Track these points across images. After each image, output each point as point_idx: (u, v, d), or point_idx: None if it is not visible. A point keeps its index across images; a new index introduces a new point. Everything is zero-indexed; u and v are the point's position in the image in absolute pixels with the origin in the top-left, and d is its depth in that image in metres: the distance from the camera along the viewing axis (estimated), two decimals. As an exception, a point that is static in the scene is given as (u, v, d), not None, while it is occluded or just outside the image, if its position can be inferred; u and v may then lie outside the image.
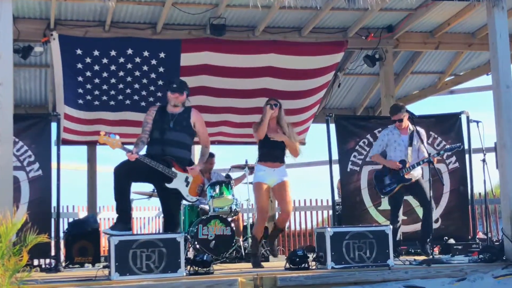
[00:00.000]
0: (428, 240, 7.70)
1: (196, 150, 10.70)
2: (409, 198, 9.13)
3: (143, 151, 6.79)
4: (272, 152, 7.40)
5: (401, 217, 8.22)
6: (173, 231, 6.63)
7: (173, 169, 6.68)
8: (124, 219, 6.62)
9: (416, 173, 8.17)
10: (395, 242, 7.81)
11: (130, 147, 6.71)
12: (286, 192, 7.41)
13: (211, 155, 10.02)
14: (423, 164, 8.01)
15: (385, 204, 8.95)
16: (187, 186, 6.79)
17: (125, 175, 6.59)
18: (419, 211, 9.23)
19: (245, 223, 9.41)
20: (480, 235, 9.67)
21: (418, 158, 8.10)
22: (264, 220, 7.48)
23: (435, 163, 7.89)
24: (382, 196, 8.61)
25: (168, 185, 6.69)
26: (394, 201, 8.21)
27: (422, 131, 8.26)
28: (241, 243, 8.78)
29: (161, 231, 7.40)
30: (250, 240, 8.85)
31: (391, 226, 6.78)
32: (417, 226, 9.09)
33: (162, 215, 7.21)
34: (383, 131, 8.49)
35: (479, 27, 10.22)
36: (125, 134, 10.60)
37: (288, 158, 7.52)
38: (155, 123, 6.84)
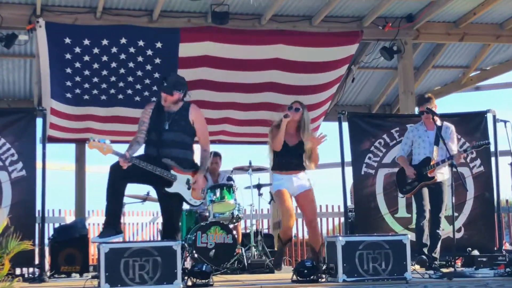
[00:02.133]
0: (434, 251, 7.78)
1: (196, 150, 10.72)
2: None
3: (139, 152, 6.79)
4: (288, 160, 7.46)
5: (428, 210, 8.14)
6: (173, 238, 6.65)
7: (172, 171, 6.68)
8: (113, 222, 6.62)
9: (442, 174, 8.13)
10: (420, 243, 7.84)
11: (124, 147, 6.72)
12: (311, 199, 7.49)
13: (216, 154, 10.04)
14: (444, 162, 7.96)
15: (402, 212, 8.94)
16: (189, 189, 6.80)
17: (122, 175, 6.59)
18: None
19: (248, 231, 9.41)
20: (507, 246, 9.67)
21: (445, 156, 8.06)
22: (288, 227, 7.52)
23: (460, 160, 7.96)
24: (401, 196, 8.58)
25: (168, 190, 6.70)
26: (417, 196, 8.19)
27: (451, 127, 8.26)
28: (244, 252, 8.77)
29: (155, 238, 7.41)
30: (253, 248, 8.87)
31: (409, 236, 6.75)
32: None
33: (161, 220, 7.22)
34: (408, 129, 8.52)
35: (507, 17, 10.21)
36: (118, 132, 10.65)
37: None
38: (151, 122, 6.86)
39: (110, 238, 6.43)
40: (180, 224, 8.75)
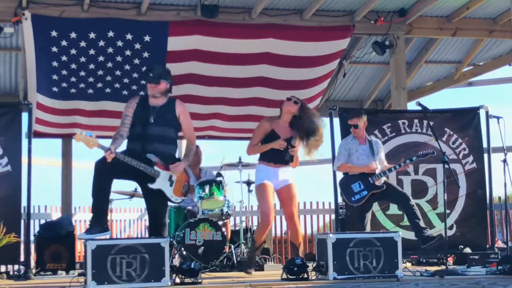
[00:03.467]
0: (428, 243, 7.82)
1: (182, 145, 10.69)
2: (421, 202, 9.16)
3: (122, 147, 6.78)
4: (280, 153, 7.45)
5: (368, 227, 8.22)
6: (159, 235, 6.64)
7: (155, 167, 6.67)
8: (100, 219, 6.59)
9: (384, 179, 8.26)
10: None
11: (109, 142, 6.70)
12: (292, 195, 7.50)
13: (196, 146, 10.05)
14: (394, 170, 8.21)
15: (393, 209, 8.97)
16: (171, 185, 6.78)
17: (107, 171, 6.56)
18: (432, 217, 9.27)
19: (237, 228, 9.41)
20: (499, 243, 9.69)
21: (383, 168, 8.21)
22: (268, 225, 7.54)
23: (406, 168, 8.20)
24: (351, 205, 8.56)
25: (151, 186, 6.68)
26: (362, 210, 8.25)
27: (379, 142, 8.46)
28: (233, 249, 8.77)
29: (143, 235, 7.41)
30: (243, 245, 8.87)
31: (400, 233, 6.77)
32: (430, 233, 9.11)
33: (147, 217, 7.20)
34: (342, 141, 8.56)
35: (501, 12, 10.23)
36: (105, 127, 10.63)
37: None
38: (135, 116, 6.84)
39: (97, 235, 6.41)
40: (168, 220, 8.78)
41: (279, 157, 7.47)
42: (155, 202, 6.88)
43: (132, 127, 6.84)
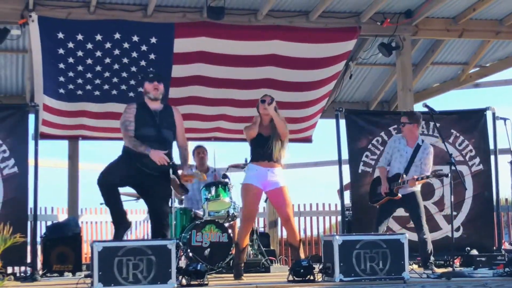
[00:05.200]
0: (429, 260, 7.89)
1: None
2: (428, 204, 9.14)
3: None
4: (264, 150, 7.45)
5: (384, 228, 8.26)
6: (163, 236, 6.69)
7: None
8: (120, 221, 6.97)
9: (409, 188, 8.21)
10: None
11: (117, 144, 6.83)
12: (283, 197, 7.47)
13: (200, 146, 10.09)
14: (406, 183, 8.11)
15: (400, 211, 8.95)
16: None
17: (110, 185, 6.86)
18: (438, 219, 9.26)
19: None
20: (506, 245, 9.68)
21: (420, 174, 8.20)
22: (249, 227, 7.57)
23: (413, 186, 8.14)
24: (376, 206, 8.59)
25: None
26: (382, 211, 8.35)
27: (428, 149, 8.33)
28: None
29: (149, 236, 7.42)
30: (249, 247, 8.86)
31: (407, 235, 6.77)
32: (436, 235, 9.10)
33: (150, 219, 7.29)
34: (391, 138, 8.62)
35: (507, 13, 10.22)
36: (111, 129, 10.64)
37: (289, 158, 7.61)
38: (138, 120, 6.93)
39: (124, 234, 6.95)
40: (174, 222, 8.79)
41: (263, 154, 7.43)
42: (158, 205, 6.96)
43: (137, 130, 6.92)
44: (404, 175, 8.14)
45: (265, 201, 10.44)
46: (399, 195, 8.19)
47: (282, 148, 7.50)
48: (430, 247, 8.04)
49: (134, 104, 7.19)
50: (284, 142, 7.52)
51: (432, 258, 8.04)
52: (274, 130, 7.47)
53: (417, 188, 8.27)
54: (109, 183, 6.86)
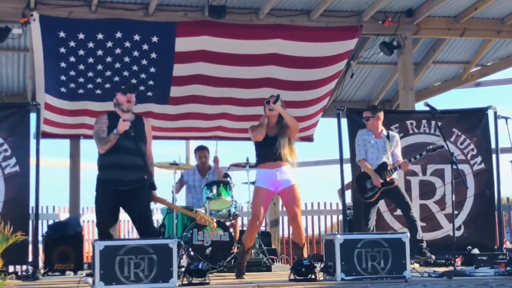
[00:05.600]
0: (422, 247, 7.90)
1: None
2: (429, 203, 9.14)
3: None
4: (270, 150, 7.40)
5: (373, 223, 8.28)
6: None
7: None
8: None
9: (396, 177, 8.35)
10: None
11: None
12: (294, 195, 7.44)
13: (203, 147, 10.08)
14: (400, 169, 8.26)
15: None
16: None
17: (108, 231, 6.90)
18: (440, 218, 9.26)
19: (245, 228, 9.40)
20: (508, 244, 9.67)
21: (393, 162, 8.31)
22: (255, 228, 7.52)
23: (408, 168, 8.32)
24: (364, 201, 8.58)
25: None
26: (368, 206, 8.35)
27: (396, 136, 8.52)
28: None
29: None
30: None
31: (408, 234, 6.77)
32: (437, 234, 9.12)
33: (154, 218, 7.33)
34: (358, 133, 8.61)
35: (509, 12, 10.22)
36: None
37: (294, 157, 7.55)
38: (110, 130, 6.90)
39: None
40: (176, 221, 8.79)
41: (270, 155, 7.40)
42: (138, 211, 7.02)
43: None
44: (395, 162, 8.24)
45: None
46: (395, 182, 8.23)
47: (290, 146, 7.45)
48: (419, 228, 8.07)
49: (105, 115, 7.14)
50: (292, 139, 7.48)
51: (425, 243, 8.05)
52: (281, 129, 7.43)
53: (398, 181, 8.36)
54: (106, 230, 6.91)
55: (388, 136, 8.40)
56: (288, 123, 7.40)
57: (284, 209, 9.40)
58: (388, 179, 8.21)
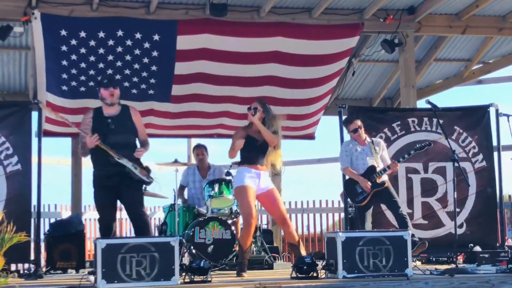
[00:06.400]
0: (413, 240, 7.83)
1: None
2: (431, 201, 9.14)
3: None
4: (257, 155, 7.43)
5: (369, 224, 8.35)
6: (146, 232, 6.98)
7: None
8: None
9: (386, 178, 8.36)
10: None
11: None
12: (277, 197, 7.47)
13: (200, 146, 10.05)
14: (389, 170, 8.26)
15: (403, 207, 8.95)
16: (136, 169, 7.09)
17: (111, 224, 7.10)
18: (442, 215, 9.26)
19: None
20: (509, 242, 9.68)
21: (383, 166, 8.34)
22: (251, 227, 7.44)
23: (397, 168, 8.37)
24: (354, 205, 8.57)
25: (119, 160, 6.95)
26: (362, 209, 8.37)
27: (381, 141, 8.57)
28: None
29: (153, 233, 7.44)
30: (253, 244, 8.87)
31: (410, 232, 6.77)
32: (439, 232, 9.12)
33: (154, 216, 7.34)
34: (343, 144, 8.65)
35: (510, 9, 10.22)
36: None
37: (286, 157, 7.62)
38: (95, 129, 7.01)
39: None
40: (178, 219, 8.80)
41: (257, 159, 7.42)
42: (129, 199, 7.13)
43: None
44: (384, 164, 8.27)
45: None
46: (386, 183, 8.26)
47: (274, 154, 7.47)
48: (409, 224, 8.09)
49: (91, 112, 7.23)
50: (275, 148, 7.48)
51: (416, 237, 8.06)
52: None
53: (388, 181, 8.36)
54: (105, 224, 7.13)
55: (372, 142, 8.46)
56: (264, 135, 7.39)
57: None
58: (378, 181, 8.23)
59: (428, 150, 8.66)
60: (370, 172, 8.26)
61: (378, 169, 8.25)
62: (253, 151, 7.44)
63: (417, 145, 8.40)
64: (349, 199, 8.52)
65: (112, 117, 7.08)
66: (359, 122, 8.47)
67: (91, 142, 6.83)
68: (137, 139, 7.27)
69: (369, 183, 8.20)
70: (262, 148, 7.44)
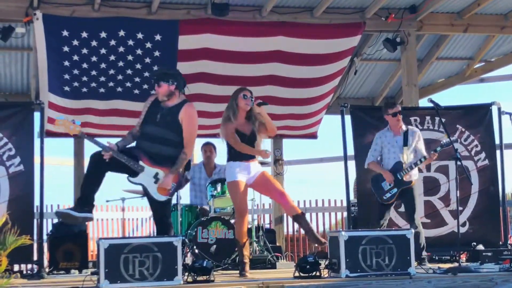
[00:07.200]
0: (421, 255, 7.85)
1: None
2: (433, 200, 9.13)
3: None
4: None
5: (385, 222, 8.30)
6: (165, 233, 6.72)
7: (140, 162, 6.72)
8: (84, 205, 6.75)
9: (415, 175, 8.26)
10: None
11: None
12: (269, 177, 7.39)
13: (208, 143, 10.02)
14: (420, 164, 8.17)
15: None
16: (155, 183, 6.79)
17: (103, 163, 6.68)
18: (444, 214, 9.26)
19: (249, 226, 9.40)
20: (513, 240, 9.67)
21: (416, 159, 8.21)
22: (244, 221, 7.38)
23: (433, 159, 8.18)
24: (384, 203, 8.52)
25: (132, 179, 6.76)
26: (384, 208, 8.32)
27: (417, 131, 8.40)
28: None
29: (155, 233, 7.43)
30: (255, 243, 8.87)
31: (413, 231, 6.76)
32: (441, 231, 9.11)
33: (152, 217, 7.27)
34: (376, 135, 8.55)
35: (512, 8, 10.20)
36: (116, 126, 10.65)
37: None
38: (147, 115, 6.90)
39: (80, 214, 6.63)
40: (180, 219, 8.80)
41: (248, 154, 7.34)
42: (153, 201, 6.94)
43: (142, 125, 6.92)
44: (405, 162, 8.14)
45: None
46: (413, 181, 8.16)
47: (260, 143, 7.39)
48: (422, 241, 8.02)
49: (153, 97, 7.02)
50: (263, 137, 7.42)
51: (425, 253, 8.03)
52: (253, 127, 7.32)
53: (416, 181, 8.26)
54: (102, 161, 6.69)
55: (407, 132, 8.28)
56: (268, 127, 7.32)
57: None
58: (405, 179, 8.14)
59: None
60: (396, 169, 8.17)
61: (404, 166, 8.13)
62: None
63: (443, 142, 8.23)
64: (376, 196, 8.37)
65: (163, 108, 6.86)
66: (399, 107, 8.35)
67: (106, 156, 6.63)
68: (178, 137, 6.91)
69: (392, 177, 8.14)
70: (250, 141, 7.30)
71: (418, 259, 7.94)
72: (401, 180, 8.13)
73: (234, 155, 7.33)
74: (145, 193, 6.89)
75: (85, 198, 6.77)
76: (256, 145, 7.34)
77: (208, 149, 9.94)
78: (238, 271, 7.42)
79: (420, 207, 8.46)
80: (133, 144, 6.93)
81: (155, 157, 6.77)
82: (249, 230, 9.28)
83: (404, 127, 8.32)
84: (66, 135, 11.20)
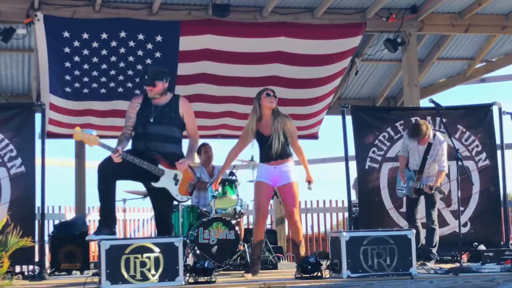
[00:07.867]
0: (431, 252, 7.94)
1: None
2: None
3: (128, 147, 6.84)
4: (266, 150, 7.40)
5: (418, 215, 8.34)
6: (166, 234, 6.69)
7: (159, 166, 6.69)
8: (108, 222, 6.65)
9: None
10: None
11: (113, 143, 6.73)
12: (291, 194, 7.41)
13: (204, 144, 10.04)
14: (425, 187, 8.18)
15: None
16: (176, 184, 6.80)
17: (110, 173, 6.62)
18: (446, 214, 9.26)
19: (250, 226, 9.40)
20: (514, 240, 9.65)
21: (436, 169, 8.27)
22: (262, 220, 7.49)
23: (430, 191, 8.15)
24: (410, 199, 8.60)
25: (155, 184, 6.72)
26: (412, 204, 8.44)
27: (440, 143, 8.27)
28: (246, 248, 8.78)
29: (156, 234, 7.43)
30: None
31: (414, 231, 6.77)
32: (443, 231, 9.09)
33: (154, 217, 7.25)
34: (404, 135, 8.65)
35: (514, 7, 10.19)
36: (118, 127, 10.60)
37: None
38: (138, 116, 6.86)
39: (106, 237, 6.44)
40: (182, 220, 8.80)
41: (266, 155, 7.40)
42: (161, 203, 6.92)
43: (135, 127, 6.88)
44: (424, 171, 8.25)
45: (272, 197, 10.43)
46: (423, 188, 8.19)
47: (286, 143, 7.41)
48: (436, 238, 8.08)
49: (140, 98, 7.02)
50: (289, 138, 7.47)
51: (435, 252, 8.05)
52: (273, 127, 7.38)
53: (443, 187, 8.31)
54: (111, 171, 6.62)
55: (432, 143, 8.29)
56: (299, 158, 7.57)
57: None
58: (416, 187, 8.25)
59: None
60: (411, 177, 8.31)
61: (417, 179, 8.23)
62: (263, 147, 7.44)
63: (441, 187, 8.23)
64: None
65: (157, 106, 6.84)
66: (429, 132, 8.27)
67: (115, 158, 6.55)
68: (182, 132, 7.00)
69: (404, 180, 8.30)
70: (271, 143, 7.35)
71: (428, 256, 7.95)
72: (409, 186, 8.25)
73: (260, 157, 7.54)
74: (155, 194, 6.87)
75: (107, 217, 6.69)
76: (275, 145, 7.32)
77: (208, 149, 9.97)
78: (239, 271, 7.42)
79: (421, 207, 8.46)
80: (139, 146, 6.84)
81: (170, 158, 6.78)
82: (250, 230, 9.29)
83: (431, 138, 8.31)
84: (67, 136, 11.35)
